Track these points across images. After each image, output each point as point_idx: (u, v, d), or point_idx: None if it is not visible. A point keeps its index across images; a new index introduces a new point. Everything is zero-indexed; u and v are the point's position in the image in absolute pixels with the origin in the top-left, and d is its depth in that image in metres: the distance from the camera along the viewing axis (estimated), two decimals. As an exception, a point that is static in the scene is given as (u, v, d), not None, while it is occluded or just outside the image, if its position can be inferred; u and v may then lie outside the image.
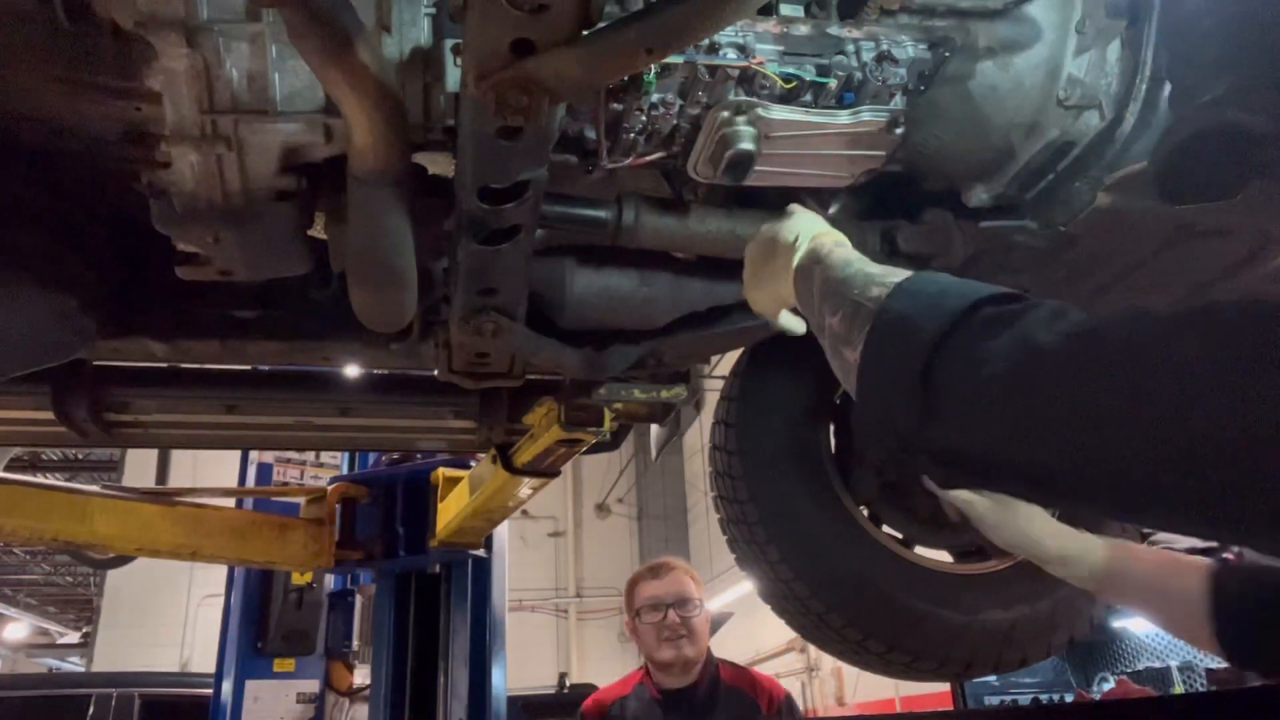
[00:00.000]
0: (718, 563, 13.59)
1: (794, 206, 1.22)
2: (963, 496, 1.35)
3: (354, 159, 1.15)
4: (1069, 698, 6.04)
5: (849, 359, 0.88)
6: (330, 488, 4.04)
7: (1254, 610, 1.16)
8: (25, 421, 2.09)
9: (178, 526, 3.34)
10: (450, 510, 3.47)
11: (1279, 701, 0.54)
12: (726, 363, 2.58)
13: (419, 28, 1.17)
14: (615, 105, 1.24)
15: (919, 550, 2.26)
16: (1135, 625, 5.91)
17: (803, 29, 1.26)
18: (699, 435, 13.07)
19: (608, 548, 16.48)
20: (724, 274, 1.64)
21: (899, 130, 1.31)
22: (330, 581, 4.71)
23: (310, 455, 4.85)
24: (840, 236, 1.11)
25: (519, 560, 11.33)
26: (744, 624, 11.70)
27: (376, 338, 1.68)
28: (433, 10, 1.17)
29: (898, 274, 0.90)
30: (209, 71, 1.10)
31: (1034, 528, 1.31)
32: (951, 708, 6.49)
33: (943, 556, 2.29)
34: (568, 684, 10.15)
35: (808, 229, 1.14)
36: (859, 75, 1.27)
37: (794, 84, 1.26)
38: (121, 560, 4.55)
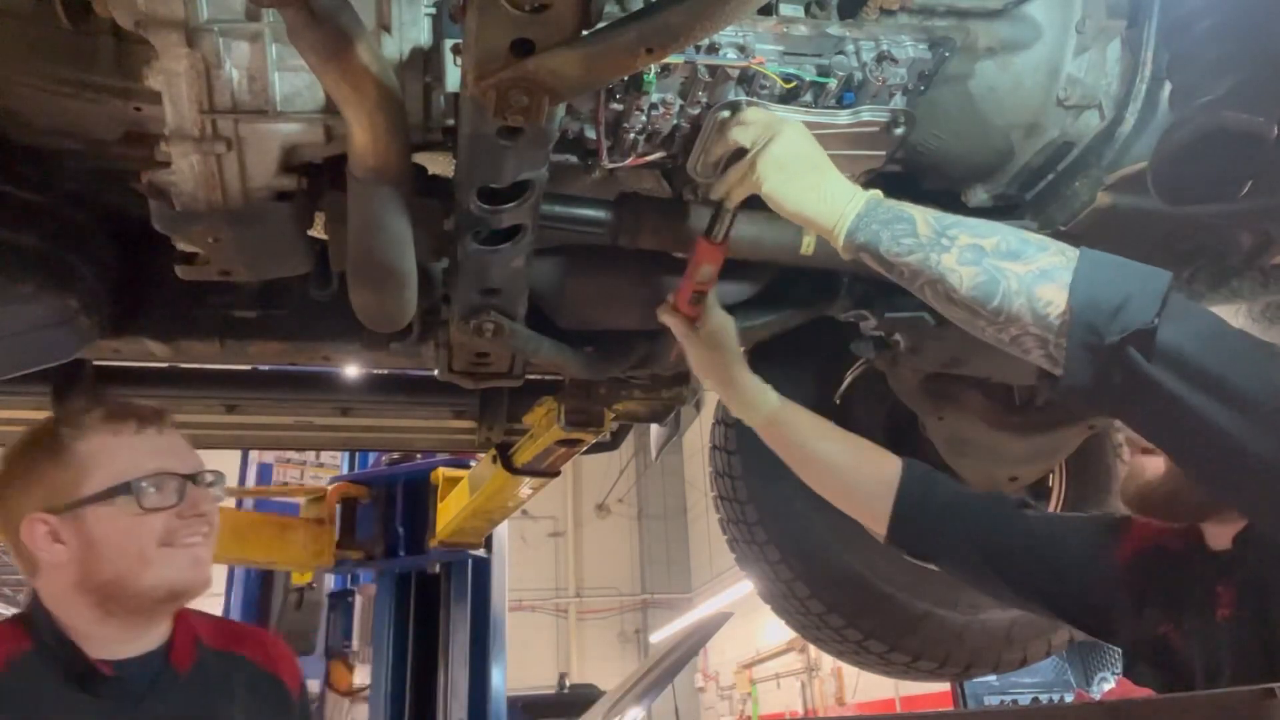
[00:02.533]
0: (718, 563, 13.59)
1: (754, 113, 1.23)
2: (679, 328, 1.46)
3: (354, 159, 1.15)
4: (1069, 698, 6.04)
5: (1013, 267, 1.07)
6: (330, 488, 4.04)
7: (925, 510, 1.41)
8: (25, 421, 2.08)
9: (178, 526, 3.33)
10: (450, 510, 3.47)
11: (1274, 699, 0.55)
12: (726, 363, 2.57)
13: (419, 28, 1.16)
14: (615, 105, 1.24)
15: (919, 550, 2.26)
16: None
17: (803, 29, 1.25)
18: (699, 435, 13.06)
19: (608, 548, 16.48)
20: (723, 274, 1.64)
21: (899, 130, 1.31)
22: (330, 581, 4.71)
23: (310, 455, 4.85)
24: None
25: (519, 560, 11.33)
26: (744, 624, 11.70)
27: (376, 338, 1.68)
28: (433, 10, 1.17)
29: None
30: (209, 71, 1.10)
31: (731, 370, 1.47)
32: (951, 708, 6.49)
33: (943, 556, 2.28)
34: (568, 684, 10.14)
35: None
36: (859, 75, 1.27)
37: (794, 84, 1.26)
38: (121, 560, 4.54)
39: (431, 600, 4.00)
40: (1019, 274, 1.06)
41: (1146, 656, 1.27)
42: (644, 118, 1.26)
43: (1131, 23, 1.33)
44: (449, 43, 1.16)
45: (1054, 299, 1.04)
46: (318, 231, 1.38)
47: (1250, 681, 1.00)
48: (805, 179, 1.19)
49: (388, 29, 1.14)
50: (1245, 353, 1.02)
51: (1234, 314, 1.19)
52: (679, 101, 1.25)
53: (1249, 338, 1.04)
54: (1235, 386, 0.97)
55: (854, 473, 1.47)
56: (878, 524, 1.46)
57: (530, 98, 0.98)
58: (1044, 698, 6.23)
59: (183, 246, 1.31)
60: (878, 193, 1.20)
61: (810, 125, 1.28)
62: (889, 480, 1.43)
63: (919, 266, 1.13)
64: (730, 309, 1.68)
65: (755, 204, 1.49)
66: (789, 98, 1.27)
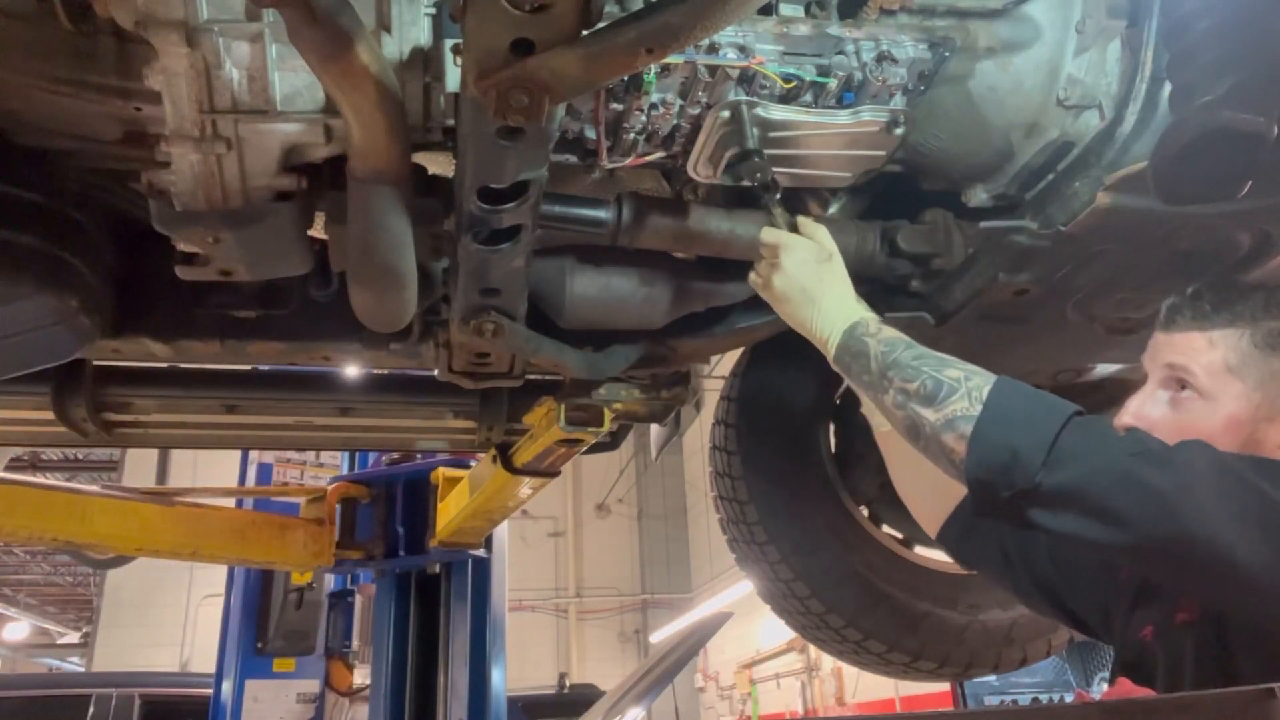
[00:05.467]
0: (718, 563, 13.59)
1: (805, 222, 1.39)
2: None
3: (354, 159, 1.15)
4: (1069, 698, 6.04)
5: (928, 415, 1.18)
6: (330, 488, 4.03)
7: (976, 523, 1.50)
8: (25, 421, 2.08)
9: (178, 526, 3.33)
10: (450, 510, 3.47)
11: (1275, 700, 0.55)
12: (726, 363, 2.57)
13: (419, 28, 1.16)
14: (615, 105, 1.24)
15: (919, 550, 2.26)
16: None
17: (803, 29, 1.26)
18: (699, 435, 13.07)
19: (608, 548, 16.48)
20: (724, 274, 1.64)
21: (899, 130, 1.31)
22: (330, 581, 4.71)
23: (310, 455, 4.85)
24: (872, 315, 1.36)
25: (519, 560, 11.34)
26: (744, 624, 11.70)
27: (376, 338, 1.68)
28: (433, 10, 1.17)
29: (961, 363, 1.21)
30: (209, 71, 1.10)
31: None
32: (951, 708, 6.50)
33: (943, 556, 2.29)
34: (568, 684, 10.13)
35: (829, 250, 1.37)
36: (859, 75, 1.27)
37: (794, 84, 1.26)
38: (121, 560, 4.55)
39: (431, 600, 3.99)
40: (931, 422, 1.19)
41: (1126, 660, 1.29)
42: (644, 118, 1.26)
43: (1131, 23, 1.33)
44: (449, 43, 1.16)
45: (955, 448, 1.16)
46: (318, 231, 1.38)
47: (1208, 686, 1.03)
48: (802, 312, 1.35)
49: (388, 29, 1.14)
50: (1130, 475, 1.07)
51: (1237, 339, 1.20)
52: (679, 101, 1.25)
53: (1141, 459, 1.08)
54: (1118, 512, 1.05)
55: (941, 486, 1.54)
56: (931, 526, 1.57)
57: (530, 98, 0.98)
58: (1044, 698, 6.24)
59: (183, 246, 1.31)
60: (860, 320, 1.31)
61: (810, 125, 1.28)
62: (959, 492, 1.52)
63: (873, 400, 1.29)
64: (729, 309, 1.68)
65: (747, 202, 1.50)
66: (789, 98, 1.27)
